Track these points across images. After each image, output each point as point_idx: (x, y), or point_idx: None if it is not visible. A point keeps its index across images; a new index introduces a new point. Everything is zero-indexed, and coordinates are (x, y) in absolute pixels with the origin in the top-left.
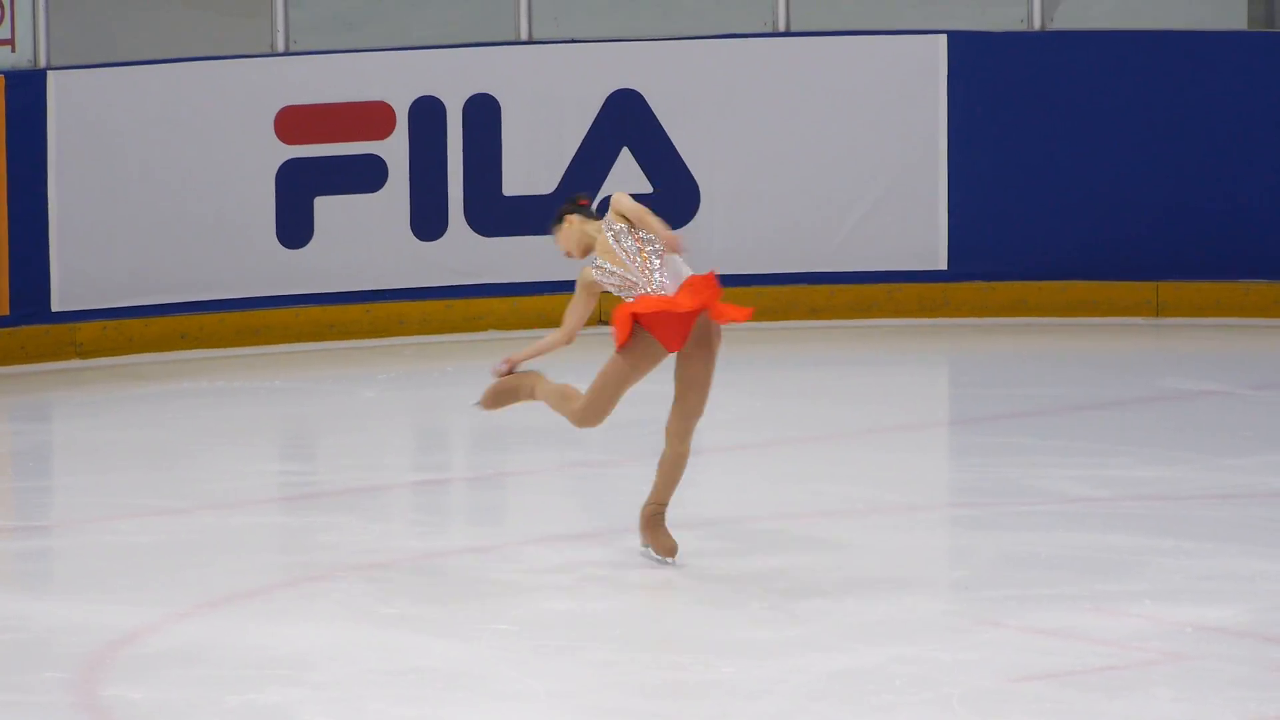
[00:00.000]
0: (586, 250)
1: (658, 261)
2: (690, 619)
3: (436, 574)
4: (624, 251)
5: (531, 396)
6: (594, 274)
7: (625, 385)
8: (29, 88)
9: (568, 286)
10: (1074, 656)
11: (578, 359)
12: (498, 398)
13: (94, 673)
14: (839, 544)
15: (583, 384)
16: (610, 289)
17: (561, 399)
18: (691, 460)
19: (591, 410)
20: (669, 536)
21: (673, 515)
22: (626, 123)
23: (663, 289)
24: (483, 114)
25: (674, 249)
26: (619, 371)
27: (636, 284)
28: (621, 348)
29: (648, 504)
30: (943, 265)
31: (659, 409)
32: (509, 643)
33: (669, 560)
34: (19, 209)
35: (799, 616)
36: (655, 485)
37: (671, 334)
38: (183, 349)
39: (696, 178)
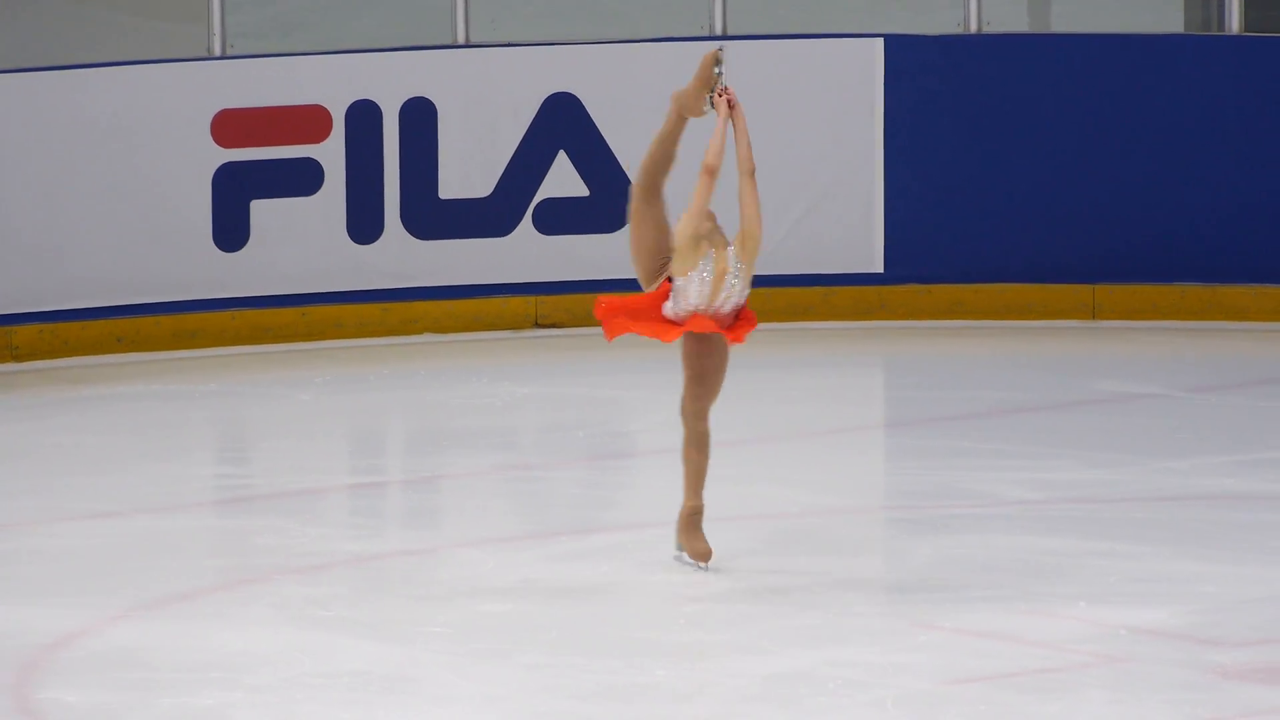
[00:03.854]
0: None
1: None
2: (623, 623)
3: (372, 577)
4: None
5: None
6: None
7: None
8: None
9: (504, 290)
10: (1009, 659)
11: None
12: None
13: (29, 676)
14: (773, 547)
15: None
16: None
17: None
18: (624, 463)
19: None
20: (703, 541)
21: (608, 518)
22: (563, 126)
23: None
24: (419, 117)
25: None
26: None
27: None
28: None
29: (682, 508)
30: (879, 268)
31: (595, 413)
32: (444, 646)
33: (701, 565)
34: None
35: (732, 619)
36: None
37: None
38: (118, 352)
39: (633, 181)
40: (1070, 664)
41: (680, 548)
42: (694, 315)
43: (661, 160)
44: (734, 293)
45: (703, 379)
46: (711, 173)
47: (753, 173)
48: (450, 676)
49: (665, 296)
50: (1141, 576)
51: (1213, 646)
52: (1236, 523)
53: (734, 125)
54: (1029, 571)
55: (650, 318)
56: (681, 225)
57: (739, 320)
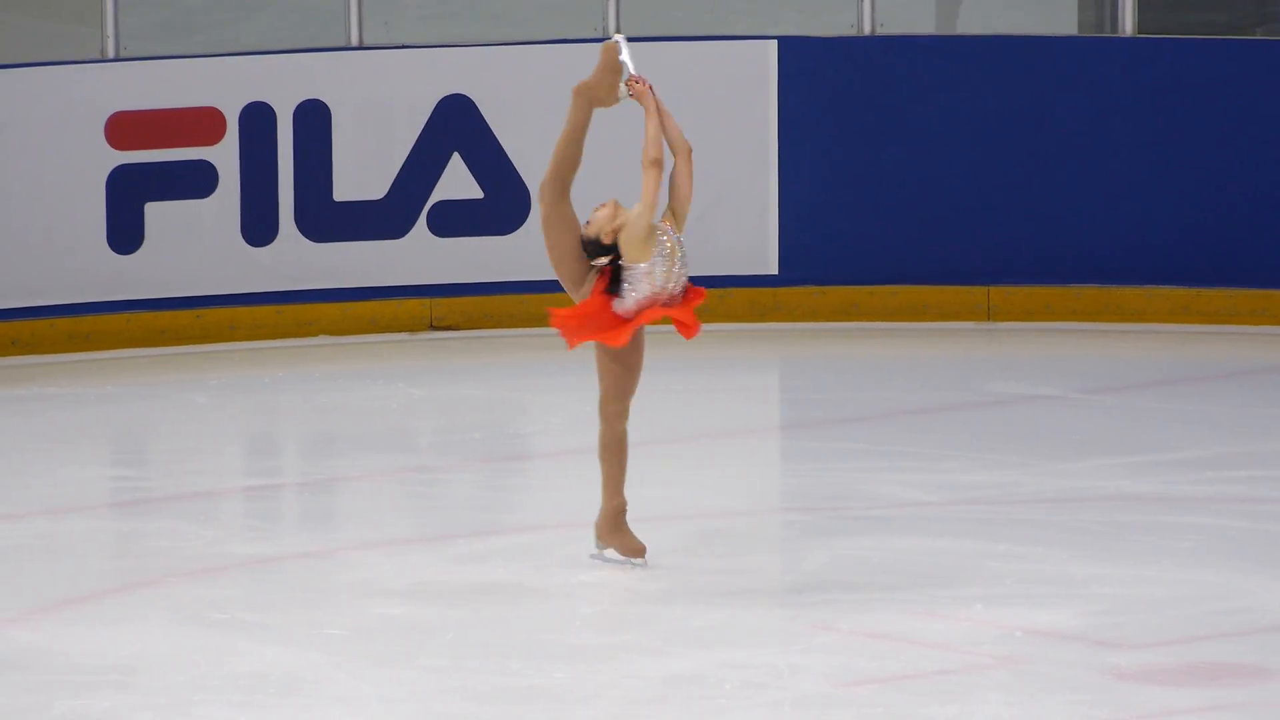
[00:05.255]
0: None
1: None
2: (521, 625)
3: (269, 579)
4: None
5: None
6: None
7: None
8: None
9: (399, 292)
10: (905, 660)
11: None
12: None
13: None
14: (669, 549)
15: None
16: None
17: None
18: (521, 466)
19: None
20: (634, 538)
21: (505, 520)
22: (457, 128)
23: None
24: (313, 119)
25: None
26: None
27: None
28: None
29: (605, 507)
30: (773, 269)
31: (491, 415)
32: (340, 648)
33: (637, 562)
34: None
35: (629, 621)
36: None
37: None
38: (13, 355)
39: (527, 183)
40: (967, 666)
41: (601, 547)
42: (647, 308)
43: (573, 159)
44: (685, 265)
45: (632, 375)
46: (659, 164)
47: (689, 153)
48: (347, 679)
49: (608, 299)
50: (1038, 578)
51: (1109, 648)
52: (1133, 524)
53: (660, 111)
54: (926, 573)
55: (605, 322)
56: (634, 218)
57: (687, 297)
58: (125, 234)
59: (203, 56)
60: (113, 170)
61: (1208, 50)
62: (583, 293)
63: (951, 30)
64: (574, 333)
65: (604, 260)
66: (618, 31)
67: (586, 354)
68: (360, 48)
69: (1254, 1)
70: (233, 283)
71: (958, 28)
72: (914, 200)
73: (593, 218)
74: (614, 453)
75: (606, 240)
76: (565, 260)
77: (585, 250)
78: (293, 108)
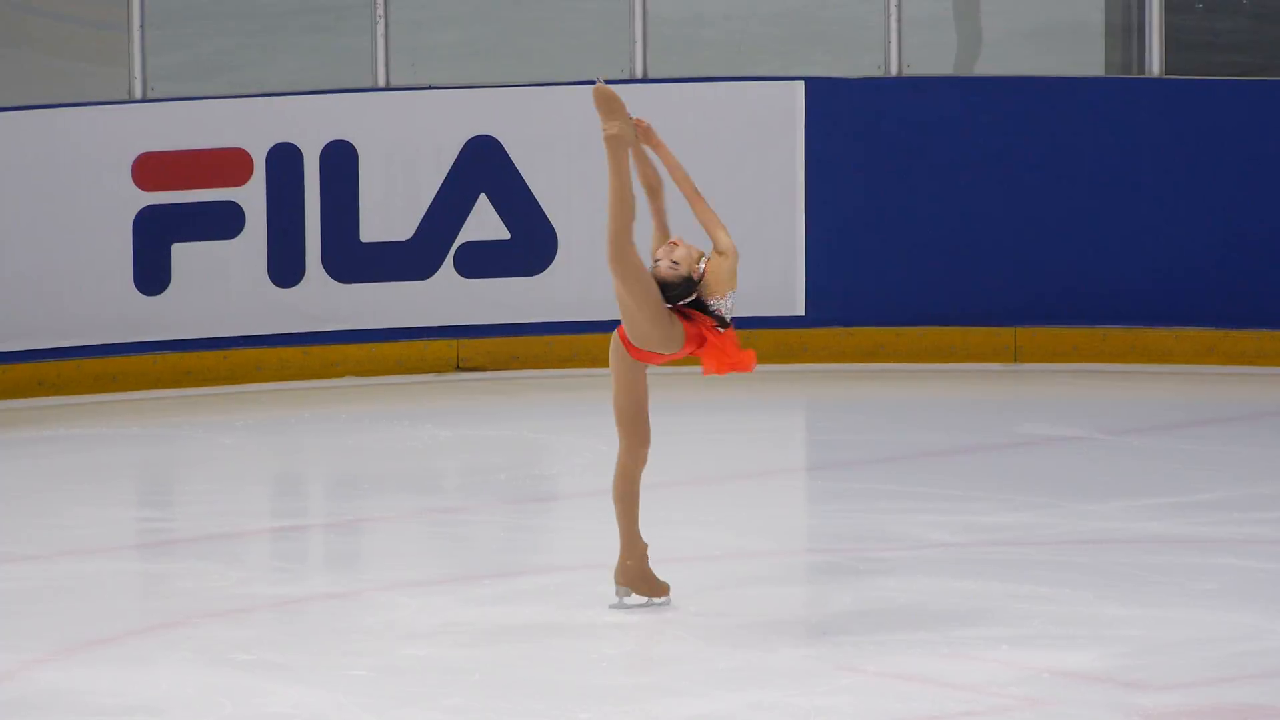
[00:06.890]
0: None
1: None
2: (546, 666)
3: (294, 620)
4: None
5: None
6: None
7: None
8: None
9: (426, 333)
10: (932, 702)
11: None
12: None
13: None
14: (696, 590)
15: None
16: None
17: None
18: (546, 507)
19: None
20: (657, 578)
21: (531, 561)
22: (484, 169)
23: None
24: (340, 160)
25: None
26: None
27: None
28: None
29: (635, 551)
30: (800, 311)
31: (517, 456)
32: (366, 689)
33: (661, 601)
34: None
35: (654, 662)
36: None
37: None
38: (40, 395)
39: (554, 224)
40: (994, 707)
41: (623, 594)
42: (728, 344)
43: (631, 207)
44: None
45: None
46: (700, 193)
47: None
48: None
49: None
50: (1065, 619)
51: (1136, 689)
52: (1159, 566)
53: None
54: (952, 614)
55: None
56: (732, 248)
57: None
58: (152, 275)
59: (230, 97)
60: (139, 211)
61: (1235, 91)
62: (674, 337)
63: (970, 71)
64: (717, 366)
65: (687, 300)
66: (596, 78)
67: (606, 396)
68: (387, 89)
69: None
70: (259, 324)
71: (977, 69)
72: (941, 241)
73: (678, 257)
74: (632, 499)
75: (697, 276)
76: (656, 311)
77: (672, 293)
78: (320, 149)
